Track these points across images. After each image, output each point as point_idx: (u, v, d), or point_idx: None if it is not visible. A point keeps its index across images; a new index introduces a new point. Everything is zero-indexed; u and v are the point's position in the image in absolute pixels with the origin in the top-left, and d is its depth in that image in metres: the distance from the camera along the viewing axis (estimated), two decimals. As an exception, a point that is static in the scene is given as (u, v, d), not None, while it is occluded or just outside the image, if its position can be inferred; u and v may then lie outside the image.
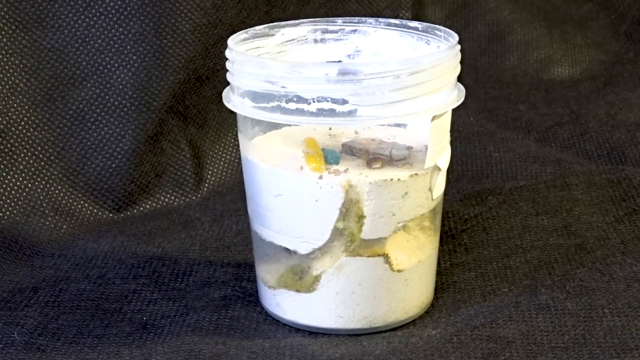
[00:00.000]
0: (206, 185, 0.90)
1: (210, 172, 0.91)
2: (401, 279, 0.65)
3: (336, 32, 0.71)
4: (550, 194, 0.85)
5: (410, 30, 0.70)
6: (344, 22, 0.72)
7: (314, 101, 0.61)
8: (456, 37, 0.65)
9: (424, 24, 0.69)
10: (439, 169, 0.65)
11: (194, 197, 0.89)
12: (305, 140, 0.66)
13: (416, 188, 0.64)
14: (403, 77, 0.61)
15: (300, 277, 0.65)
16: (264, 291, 0.69)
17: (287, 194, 0.63)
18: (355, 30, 0.71)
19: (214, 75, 0.91)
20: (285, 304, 0.67)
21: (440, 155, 0.65)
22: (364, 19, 0.71)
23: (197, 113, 0.92)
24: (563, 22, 1.17)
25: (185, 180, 0.90)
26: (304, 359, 0.63)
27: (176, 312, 0.69)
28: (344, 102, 0.60)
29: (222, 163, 0.92)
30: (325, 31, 0.71)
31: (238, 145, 0.91)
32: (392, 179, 0.63)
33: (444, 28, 0.68)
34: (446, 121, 0.65)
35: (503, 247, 0.77)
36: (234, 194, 0.89)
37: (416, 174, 0.64)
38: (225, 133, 0.94)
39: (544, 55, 1.14)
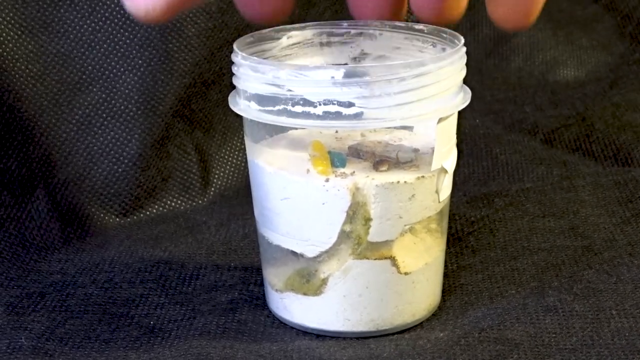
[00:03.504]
0: (213, 189, 0.90)
1: (216, 176, 0.91)
2: (408, 282, 0.65)
3: (342, 35, 0.71)
4: (557, 196, 0.85)
5: (416, 33, 0.70)
6: (349, 25, 0.71)
7: (320, 104, 0.61)
8: (462, 39, 0.65)
9: (430, 26, 0.69)
10: (446, 171, 0.65)
11: (200, 201, 0.89)
12: (311, 143, 0.66)
13: (423, 190, 0.64)
14: (409, 79, 0.61)
15: (308, 280, 0.65)
16: (271, 294, 0.68)
17: (294, 197, 0.63)
18: (360, 33, 0.71)
19: (220, 79, 0.91)
20: (293, 307, 0.67)
21: (447, 157, 0.65)
22: (369, 21, 0.71)
23: (203, 117, 0.92)
24: (568, 24, 1.17)
25: (192, 184, 0.90)
26: (311, 362, 0.63)
27: (183, 316, 0.69)
28: (350, 104, 0.60)
29: (228, 167, 0.92)
30: (330, 34, 0.71)
31: (244, 149, 0.91)
32: (398, 182, 0.63)
33: (449, 30, 0.68)
34: (452, 123, 0.65)
35: (510, 249, 0.77)
36: (240, 197, 0.89)
37: (423, 177, 0.63)
38: (231, 137, 0.94)
39: (549, 57, 1.14)
